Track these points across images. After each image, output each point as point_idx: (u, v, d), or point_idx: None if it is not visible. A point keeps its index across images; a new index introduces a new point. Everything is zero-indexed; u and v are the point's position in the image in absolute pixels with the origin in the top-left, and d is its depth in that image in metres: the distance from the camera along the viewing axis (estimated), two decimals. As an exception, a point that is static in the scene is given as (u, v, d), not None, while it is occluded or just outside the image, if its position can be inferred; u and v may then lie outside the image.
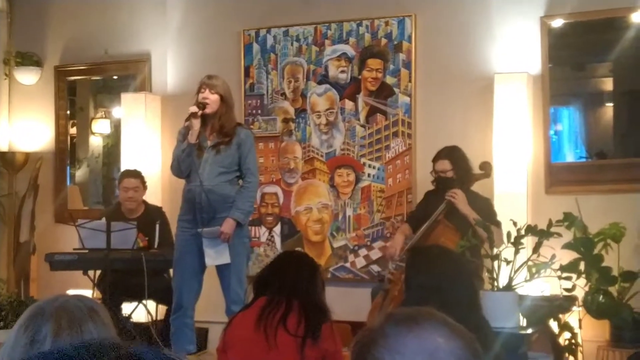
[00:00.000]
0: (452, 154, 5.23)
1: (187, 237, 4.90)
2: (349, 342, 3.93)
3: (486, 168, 5.30)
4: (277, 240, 6.23)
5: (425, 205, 5.34)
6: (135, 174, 5.88)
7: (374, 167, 5.98)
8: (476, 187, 5.34)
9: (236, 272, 4.85)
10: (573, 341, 4.73)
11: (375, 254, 5.86)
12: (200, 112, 4.77)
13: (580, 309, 4.86)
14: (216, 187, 4.82)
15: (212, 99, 4.82)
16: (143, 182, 5.88)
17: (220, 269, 4.87)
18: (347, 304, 5.75)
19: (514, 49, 5.62)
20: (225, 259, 4.80)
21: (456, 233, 5.03)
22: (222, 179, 4.84)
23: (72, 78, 7.14)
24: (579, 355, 4.80)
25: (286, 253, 4.05)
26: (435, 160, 5.26)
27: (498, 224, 4.90)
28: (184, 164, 4.85)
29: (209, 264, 4.84)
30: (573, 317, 4.84)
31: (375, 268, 5.79)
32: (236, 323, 3.39)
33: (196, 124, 4.77)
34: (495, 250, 4.15)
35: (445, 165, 5.21)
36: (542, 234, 4.19)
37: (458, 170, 5.18)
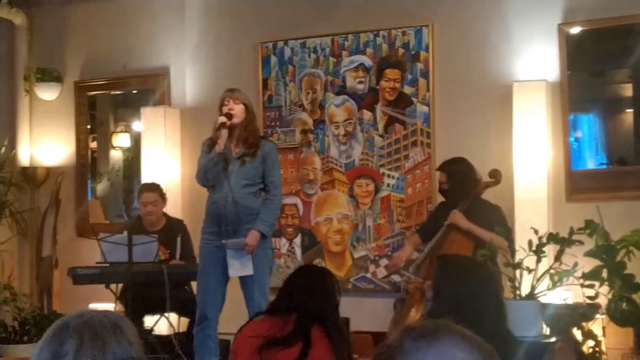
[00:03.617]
0: (448, 166, 5.33)
1: (211, 248, 4.91)
2: (369, 353, 3.92)
3: (496, 175, 5.31)
4: (298, 251, 6.24)
5: (436, 217, 5.40)
6: (154, 188, 5.90)
7: (393, 177, 5.97)
8: (497, 195, 5.33)
9: (259, 283, 4.86)
10: (597, 349, 4.69)
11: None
12: (228, 123, 4.81)
13: (604, 316, 4.82)
14: (240, 199, 4.84)
15: (237, 109, 4.86)
16: (162, 195, 5.90)
17: (244, 281, 4.88)
18: (368, 314, 5.75)
19: (532, 56, 5.61)
20: (248, 270, 4.81)
21: (469, 240, 5.05)
22: (246, 191, 4.86)
23: (92, 93, 7.20)
24: (603, 363, 4.76)
25: (306, 271, 3.87)
26: (437, 170, 5.44)
27: (509, 230, 4.93)
28: (210, 174, 4.88)
29: (232, 274, 4.86)
30: (596, 325, 4.80)
31: (396, 278, 5.78)
32: (249, 331, 3.38)
33: (224, 133, 4.81)
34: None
35: (442, 177, 5.35)
36: (563, 242, 4.16)
37: (452, 184, 5.26)
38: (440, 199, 5.59)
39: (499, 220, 5.08)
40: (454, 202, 5.26)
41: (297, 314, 3.30)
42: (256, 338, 3.26)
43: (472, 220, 5.11)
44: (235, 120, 4.84)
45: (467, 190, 5.23)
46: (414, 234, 5.70)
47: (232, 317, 5.26)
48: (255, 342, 3.25)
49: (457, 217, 5.15)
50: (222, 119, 4.82)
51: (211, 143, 4.90)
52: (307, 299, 3.34)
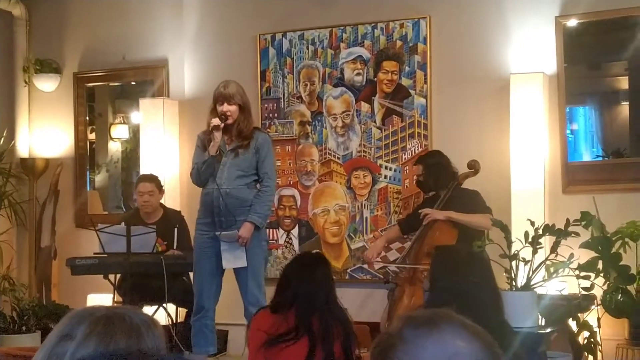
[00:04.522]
0: (424, 159, 5.39)
1: (205, 240, 4.94)
2: (367, 344, 3.96)
3: (475, 166, 5.35)
4: (295, 242, 6.27)
5: (418, 211, 5.42)
6: (150, 178, 5.92)
7: (390, 169, 6.00)
8: (493, 187, 5.37)
9: (254, 275, 4.89)
10: (592, 340, 4.73)
11: (392, 255, 5.88)
12: (222, 125, 4.82)
13: (599, 307, 4.86)
14: (234, 190, 4.86)
15: (231, 109, 4.87)
16: (159, 186, 5.91)
17: (238, 272, 4.91)
18: (365, 305, 5.78)
19: (529, 49, 5.63)
20: (242, 262, 4.84)
21: (453, 228, 5.07)
22: (240, 183, 4.89)
23: (91, 84, 7.20)
24: (598, 354, 4.80)
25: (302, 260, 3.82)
26: (413, 165, 5.52)
27: (489, 211, 5.05)
28: (204, 175, 4.91)
29: (225, 267, 4.89)
30: (592, 316, 4.85)
31: (392, 269, 5.81)
32: (258, 322, 3.43)
33: (218, 136, 4.83)
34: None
35: (418, 169, 5.41)
36: (559, 234, 4.20)
37: (427, 176, 5.30)
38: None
39: (477, 203, 5.12)
40: (432, 194, 5.30)
41: (296, 307, 3.34)
42: (263, 332, 3.33)
43: (454, 209, 5.13)
44: (229, 121, 4.86)
45: (442, 182, 5.24)
46: (394, 225, 5.74)
47: (231, 307, 5.31)
48: (262, 336, 3.31)
49: (430, 213, 5.14)
50: (216, 121, 4.83)
51: (205, 138, 4.92)
52: (300, 290, 3.38)
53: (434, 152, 5.45)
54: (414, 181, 5.57)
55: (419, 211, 5.23)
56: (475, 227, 4.94)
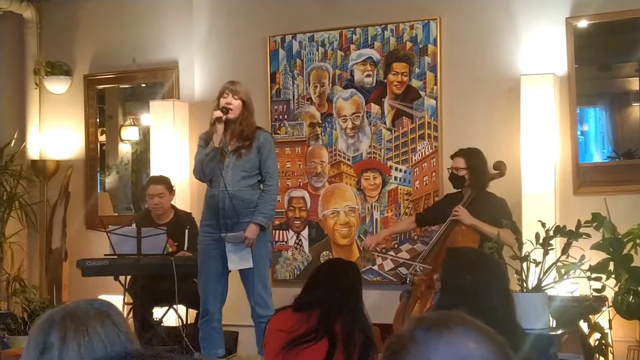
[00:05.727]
0: (469, 154, 5.31)
1: (209, 241, 4.94)
2: (379, 346, 3.96)
3: (500, 167, 5.33)
4: (305, 244, 6.27)
5: (439, 207, 5.41)
6: (160, 180, 5.92)
7: (400, 170, 5.99)
8: (505, 188, 5.35)
9: (260, 275, 4.89)
10: (603, 342, 4.71)
11: (403, 257, 5.88)
12: (224, 117, 4.83)
13: (610, 309, 4.84)
14: (239, 192, 4.86)
15: (235, 104, 4.88)
16: (169, 188, 5.91)
17: (244, 273, 4.91)
18: (375, 306, 5.76)
19: (539, 50, 5.61)
20: (247, 263, 4.84)
21: (475, 232, 5.06)
22: (244, 184, 4.89)
23: (102, 86, 7.23)
24: (610, 355, 4.78)
25: (334, 265, 3.89)
26: (452, 156, 5.37)
27: (513, 224, 4.96)
28: (207, 168, 4.90)
29: (231, 268, 4.89)
30: (603, 317, 4.83)
31: (403, 270, 5.81)
32: (277, 322, 3.44)
33: (220, 128, 4.84)
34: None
35: (459, 162, 5.30)
36: (570, 235, 4.18)
37: (471, 171, 5.25)
38: (448, 192, 5.61)
39: (505, 214, 5.09)
40: (456, 192, 5.27)
41: (320, 309, 3.33)
42: (282, 333, 3.33)
43: (478, 213, 5.12)
44: (231, 115, 4.87)
45: (482, 180, 5.24)
46: (410, 216, 5.74)
47: (240, 308, 5.31)
48: (281, 336, 3.30)
49: (461, 214, 5.15)
50: (218, 113, 4.84)
51: (207, 137, 4.93)
52: (328, 292, 3.38)
53: (476, 149, 5.34)
54: (449, 174, 5.37)
55: (455, 209, 5.19)
56: None
